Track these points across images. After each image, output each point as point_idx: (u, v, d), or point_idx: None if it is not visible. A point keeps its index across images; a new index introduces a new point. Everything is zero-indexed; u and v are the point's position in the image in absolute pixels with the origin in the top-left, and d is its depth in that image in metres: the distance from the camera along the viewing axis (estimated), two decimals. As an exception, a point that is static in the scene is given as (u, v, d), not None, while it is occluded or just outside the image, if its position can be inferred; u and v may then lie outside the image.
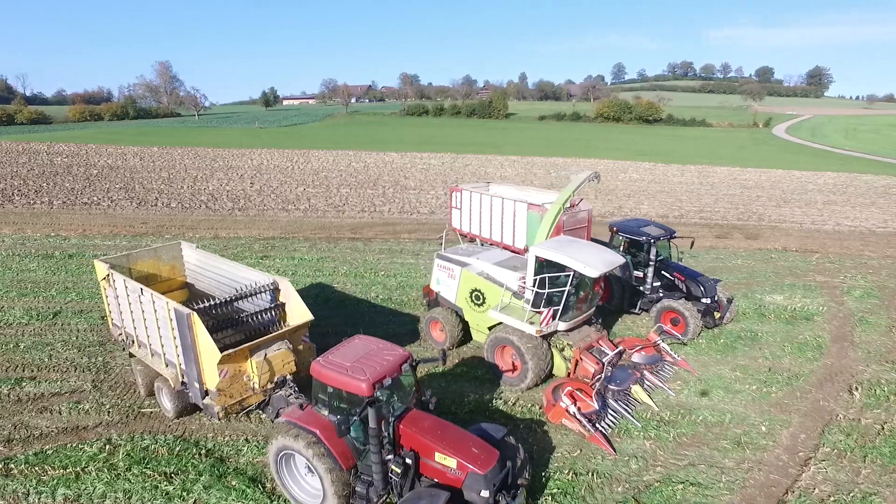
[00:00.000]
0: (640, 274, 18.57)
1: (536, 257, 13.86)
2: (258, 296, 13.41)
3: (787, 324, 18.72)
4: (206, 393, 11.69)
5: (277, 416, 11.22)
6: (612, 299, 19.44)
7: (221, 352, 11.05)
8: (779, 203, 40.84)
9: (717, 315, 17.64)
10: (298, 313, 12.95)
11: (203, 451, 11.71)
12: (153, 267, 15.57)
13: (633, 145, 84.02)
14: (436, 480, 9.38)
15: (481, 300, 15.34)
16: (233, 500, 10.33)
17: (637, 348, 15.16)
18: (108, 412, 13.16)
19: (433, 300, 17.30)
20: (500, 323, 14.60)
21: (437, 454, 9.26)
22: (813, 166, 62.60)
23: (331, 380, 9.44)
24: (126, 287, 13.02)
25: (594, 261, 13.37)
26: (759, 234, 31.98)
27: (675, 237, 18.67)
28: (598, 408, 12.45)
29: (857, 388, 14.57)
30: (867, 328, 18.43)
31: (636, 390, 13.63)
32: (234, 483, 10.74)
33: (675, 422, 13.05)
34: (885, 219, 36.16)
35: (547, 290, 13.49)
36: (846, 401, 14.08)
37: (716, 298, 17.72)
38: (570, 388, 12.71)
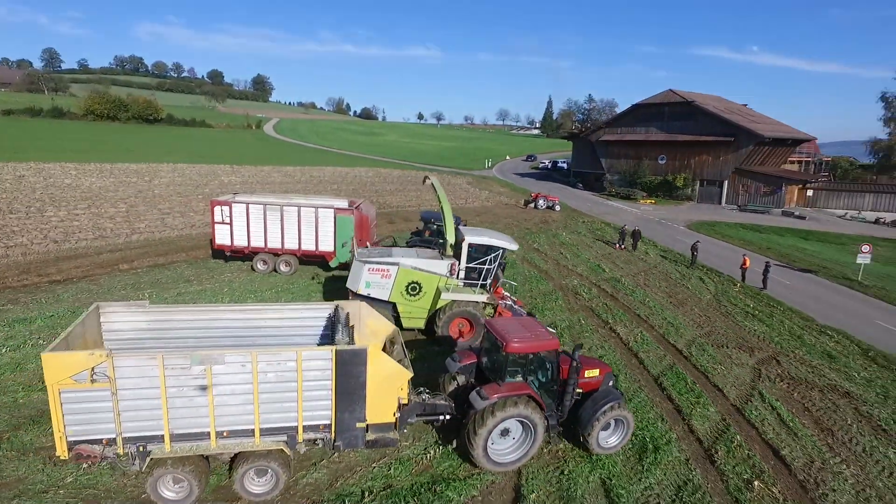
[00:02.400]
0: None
1: (469, 244, 17.41)
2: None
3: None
4: (367, 429, 10.55)
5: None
6: None
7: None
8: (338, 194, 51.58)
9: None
10: (379, 326, 12.40)
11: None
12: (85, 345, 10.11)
13: (161, 146, 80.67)
14: (580, 390, 12.98)
15: (418, 290, 17.45)
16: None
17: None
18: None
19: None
20: (440, 304, 17.17)
21: (587, 372, 12.96)
22: (321, 162, 77.78)
23: (528, 348, 11.53)
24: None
25: (508, 240, 18.21)
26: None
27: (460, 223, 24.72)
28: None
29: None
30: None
31: None
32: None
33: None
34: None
35: (487, 268, 17.44)
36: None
37: None
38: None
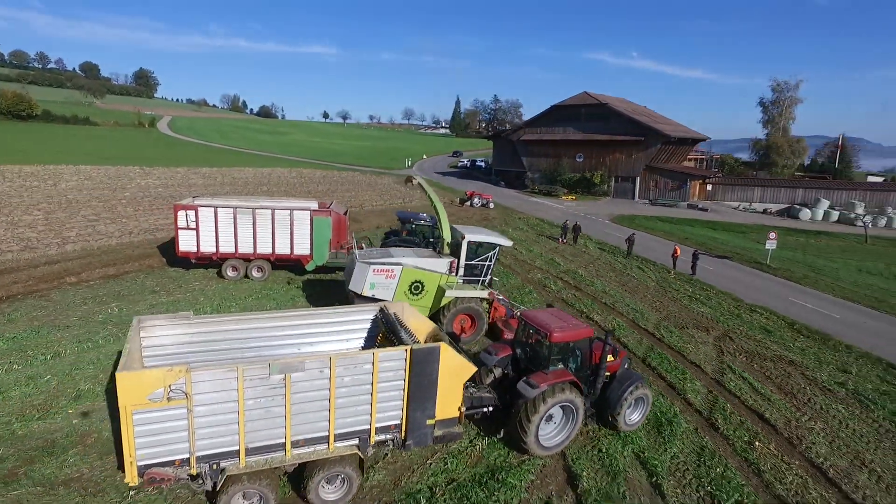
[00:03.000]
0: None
1: (469, 242, 17.90)
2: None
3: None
4: (435, 425, 10.78)
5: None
6: None
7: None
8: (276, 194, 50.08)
9: None
10: (421, 325, 12.47)
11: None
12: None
13: (47, 146, 72.93)
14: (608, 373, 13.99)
15: (420, 289, 17.67)
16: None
17: None
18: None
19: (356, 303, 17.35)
20: (444, 302, 17.58)
21: (609, 357, 13.98)
22: (233, 162, 74.44)
23: (569, 337, 12.33)
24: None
25: (502, 237, 18.88)
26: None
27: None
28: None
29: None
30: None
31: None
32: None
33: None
34: (375, 199, 51.68)
35: (487, 264, 18.05)
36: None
37: None
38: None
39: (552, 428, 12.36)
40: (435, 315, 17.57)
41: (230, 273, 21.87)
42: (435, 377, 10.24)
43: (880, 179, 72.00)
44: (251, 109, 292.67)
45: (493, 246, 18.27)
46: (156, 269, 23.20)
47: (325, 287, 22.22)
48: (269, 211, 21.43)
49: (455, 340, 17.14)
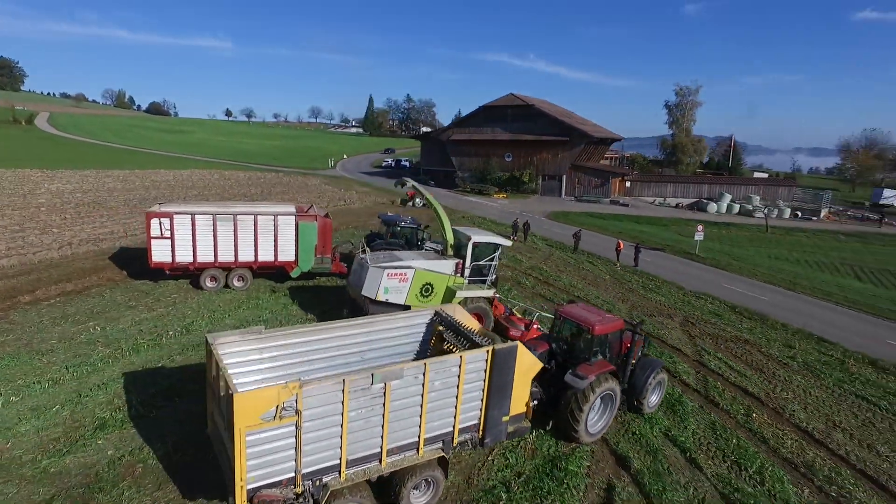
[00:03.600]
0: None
1: (474, 243, 18.33)
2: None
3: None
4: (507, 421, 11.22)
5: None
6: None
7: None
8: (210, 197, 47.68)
9: None
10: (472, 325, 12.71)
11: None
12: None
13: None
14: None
15: (430, 291, 17.88)
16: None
17: None
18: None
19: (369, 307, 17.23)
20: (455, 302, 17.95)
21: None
22: (140, 164, 69.59)
23: (608, 329, 13.25)
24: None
25: (502, 238, 19.47)
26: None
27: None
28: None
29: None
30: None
31: None
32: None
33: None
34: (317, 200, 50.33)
35: (493, 264, 18.59)
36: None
37: None
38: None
39: (594, 416, 13.18)
40: None
41: (209, 284, 20.67)
42: (512, 375, 10.66)
43: (765, 175, 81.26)
44: (139, 106, 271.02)
45: (496, 246, 18.83)
46: (119, 282, 21.33)
47: (313, 293, 21.69)
48: (252, 217, 20.52)
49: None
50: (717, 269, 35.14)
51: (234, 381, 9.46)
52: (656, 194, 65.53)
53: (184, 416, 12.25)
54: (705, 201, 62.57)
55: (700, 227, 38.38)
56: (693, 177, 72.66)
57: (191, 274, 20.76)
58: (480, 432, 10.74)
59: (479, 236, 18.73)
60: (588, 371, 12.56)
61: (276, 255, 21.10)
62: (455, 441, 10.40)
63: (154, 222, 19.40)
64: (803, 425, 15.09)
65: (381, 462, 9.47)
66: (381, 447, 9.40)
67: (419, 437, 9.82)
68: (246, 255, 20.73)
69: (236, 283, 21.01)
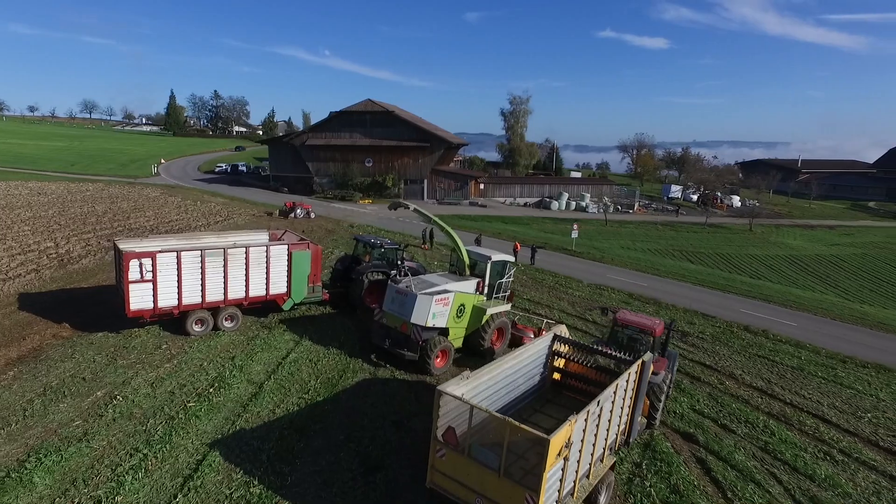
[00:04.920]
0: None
1: (493, 262, 19.59)
2: None
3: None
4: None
5: None
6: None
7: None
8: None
9: None
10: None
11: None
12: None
13: None
14: None
15: (462, 312, 18.69)
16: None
17: None
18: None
19: (409, 337, 17.38)
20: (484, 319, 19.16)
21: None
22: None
23: (661, 330, 15.98)
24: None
25: (508, 255, 20.95)
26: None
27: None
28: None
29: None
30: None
31: None
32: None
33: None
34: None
35: (508, 280, 20.09)
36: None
37: None
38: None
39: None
40: (475, 333, 18.86)
41: (196, 328, 18.35)
42: (647, 380, 12.59)
43: (579, 175, 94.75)
44: None
45: (508, 263, 20.33)
46: (72, 338, 17.58)
47: (308, 322, 20.94)
48: (243, 250, 18.77)
49: (491, 353, 18.95)
50: (594, 262, 40.97)
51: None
52: (506, 195, 72.30)
53: (326, 467, 11.71)
54: (548, 200, 71.13)
55: (576, 226, 44.14)
56: (537, 178, 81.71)
57: (165, 319, 18.24)
58: (626, 434, 12.49)
59: (496, 255, 20.06)
60: (659, 367, 15.07)
61: (267, 289, 19.63)
62: (617, 445, 11.99)
63: (133, 264, 16.71)
64: (755, 384, 19.72)
65: (589, 477, 10.67)
66: (590, 464, 10.61)
67: (604, 448, 11.22)
68: (236, 292, 18.93)
69: (227, 324, 19.02)
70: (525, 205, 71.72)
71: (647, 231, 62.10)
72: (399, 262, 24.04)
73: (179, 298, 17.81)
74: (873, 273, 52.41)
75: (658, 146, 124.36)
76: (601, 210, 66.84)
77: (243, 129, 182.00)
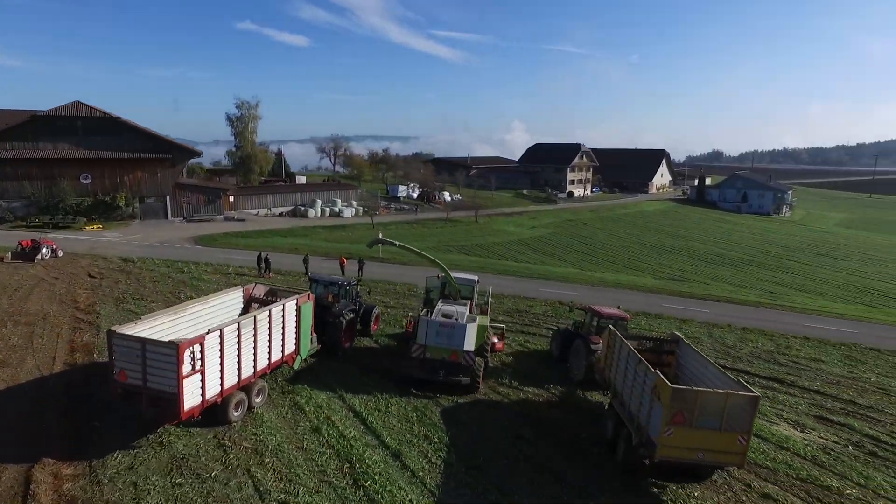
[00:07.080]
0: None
1: (477, 282, 22.40)
2: None
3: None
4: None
5: None
6: None
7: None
8: None
9: None
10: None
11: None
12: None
13: None
14: None
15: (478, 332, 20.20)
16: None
17: None
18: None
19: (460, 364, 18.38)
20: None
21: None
22: None
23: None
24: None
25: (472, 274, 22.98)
26: None
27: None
28: None
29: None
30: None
31: None
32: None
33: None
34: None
35: (489, 298, 22.48)
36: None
37: None
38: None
39: None
40: (481, 347, 20.50)
41: (235, 413, 15.20)
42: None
43: (304, 179, 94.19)
44: None
45: (474, 282, 22.66)
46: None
47: (313, 378, 19.28)
48: (267, 312, 16.10)
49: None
50: (404, 266, 44.26)
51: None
52: (258, 205, 67.94)
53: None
54: (302, 208, 69.86)
55: (380, 234, 46.26)
56: (287, 185, 77.93)
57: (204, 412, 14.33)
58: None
59: (476, 277, 22.21)
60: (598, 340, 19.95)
61: (283, 351, 17.34)
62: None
63: (187, 355, 12.86)
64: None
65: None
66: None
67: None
68: (262, 362, 16.29)
69: (257, 400, 16.47)
70: (280, 214, 68.97)
71: (424, 229, 66.86)
72: (357, 295, 23.62)
73: (222, 384, 14.40)
74: (570, 247, 69.38)
75: (311, 140, 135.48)
76: (370, 214, 69.27)
77: None
